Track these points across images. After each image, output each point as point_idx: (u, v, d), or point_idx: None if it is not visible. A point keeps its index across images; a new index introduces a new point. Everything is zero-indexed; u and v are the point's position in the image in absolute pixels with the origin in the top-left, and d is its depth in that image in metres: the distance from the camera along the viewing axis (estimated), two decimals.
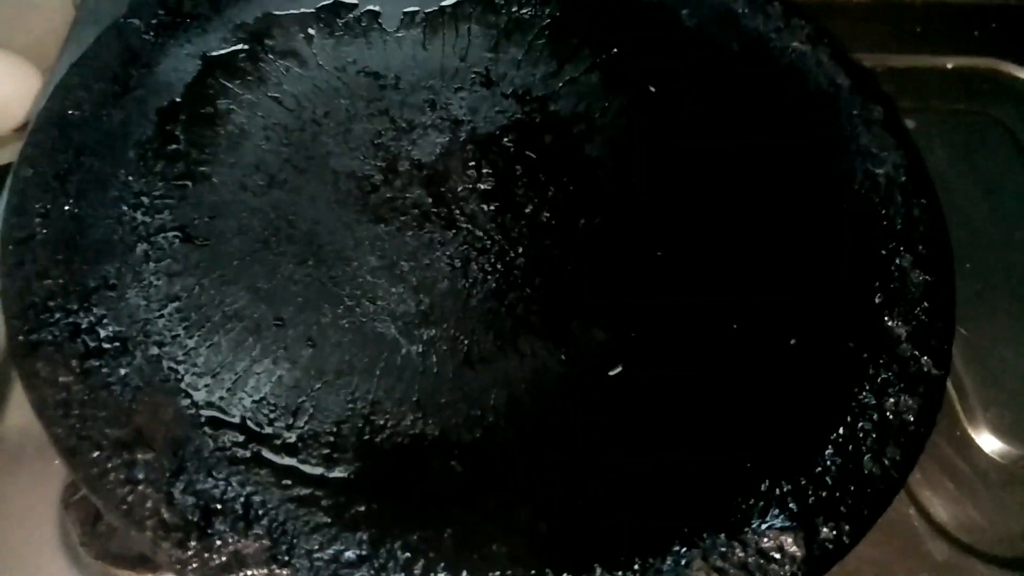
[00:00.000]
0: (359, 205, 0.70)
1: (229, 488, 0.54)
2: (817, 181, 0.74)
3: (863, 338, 0.64)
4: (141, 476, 0.53)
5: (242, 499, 0.53)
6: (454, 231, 0.68)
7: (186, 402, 0.57)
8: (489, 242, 0.68)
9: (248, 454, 0.56)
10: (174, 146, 0.70)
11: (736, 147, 0.76)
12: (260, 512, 0.53)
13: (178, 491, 0.53)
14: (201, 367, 0.59)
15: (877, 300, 0.66)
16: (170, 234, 0.65)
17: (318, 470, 0.56)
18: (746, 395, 0.62)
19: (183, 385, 0.58)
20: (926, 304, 0.65)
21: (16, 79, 0.97)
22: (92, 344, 0.58)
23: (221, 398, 0.58)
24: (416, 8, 0.82)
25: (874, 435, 0.59)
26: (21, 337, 0.57)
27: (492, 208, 0.70)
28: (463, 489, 0.56)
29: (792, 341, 0.65)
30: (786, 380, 0.62)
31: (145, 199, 0.67)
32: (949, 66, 0.96)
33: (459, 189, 0.71)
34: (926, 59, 0.97)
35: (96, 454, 0.53)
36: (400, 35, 0.81)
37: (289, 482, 0.55)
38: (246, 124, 0.74)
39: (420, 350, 0.62)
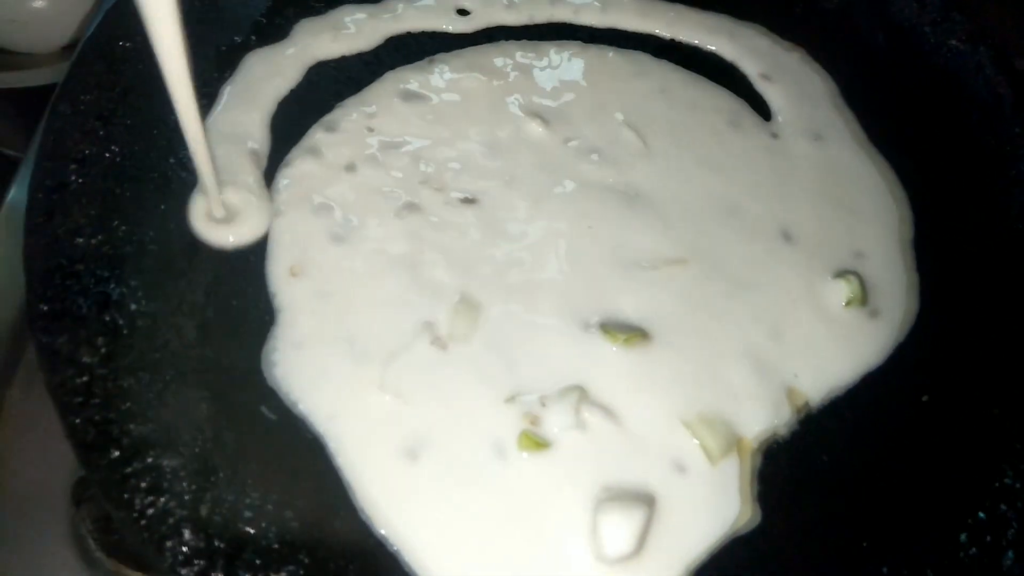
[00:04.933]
0: None
1: (264, 510, 0.46)
2: (966, 208, 0.63)
3: (1010, 404, 0.54)
4: (164, 485, 0.45)
5: (277, 526, 0.46)
6: None
7: (226, 397, 0.50)
8: None
9: None
10: None
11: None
12: (299, 544, 0.45)
13: (205, 508, 0.45)
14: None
15: None
16: None
17: None
18: (865, 459, 0.53)
19: (223, 376, 0.51)
20: None
21: None
22: (122, 320, 0.50)
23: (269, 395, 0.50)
24: None
25: (1016, 525, 0.50)
26: (43, 305, 0.49)
27: None
28: None
29: (924, 398, 0.55)
30: (915, 445, 0.53)
31: None
32: None
33: None
34: None
35: (115, 454, 0.45)
36: None
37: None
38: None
39: None
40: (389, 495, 0.48)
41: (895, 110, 0.68)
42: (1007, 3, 0.81)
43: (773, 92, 0.68)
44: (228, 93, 0.62)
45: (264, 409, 0.50)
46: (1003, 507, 0.51)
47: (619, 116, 0.65)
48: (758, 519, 0.50)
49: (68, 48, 0.89)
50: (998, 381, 0.55)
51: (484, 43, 0.69)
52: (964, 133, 0.66)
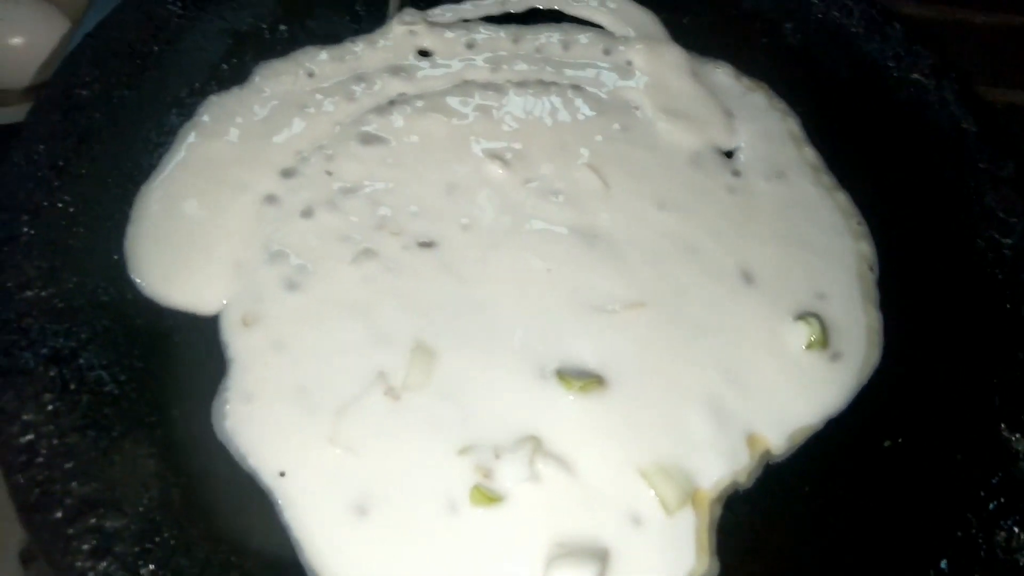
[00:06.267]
0: None
1: (209, 570, 0.46)
2: (928, 244, 0.63)
3: (973, 450, 0.54)
4: (107, 547, 0.45)
5: None
6: None
7: (175, 452, 0.49)
8: None
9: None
10: None
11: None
12: None
13: (148, 571, 0.44)
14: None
15: (995, 404, 0.55)
16: None
17: None
18: (826, 506, 0.52)
19: (172, 431, 0.50)
20: None
21: (40, 29, 0.88)
22: (70, 376, 0.50)
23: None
24: None
25: (979, 573, 0.49)
26: None
27: None
28: None
29: (886, 443, 0.54)
30: (876, 493, 0.52)
31: None
32: None
33: None
34: None
35: (58, 515, 0.45)
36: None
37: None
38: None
39: None
40: (338, 552, 0.47)
41: (858, 146, 0.67)
42: (971, 36, 0.81)
43: (735, 129, 0.67)
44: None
45: (212, 464, 0.49)
46: (965, 556, 0.50)
47: (579, 156, 0.65)
48: (716, 570, 0.49)
49: (42, 87, 0.88)
50: (961, 426, 0.54)
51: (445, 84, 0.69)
52: (928, 168, 0.66)
